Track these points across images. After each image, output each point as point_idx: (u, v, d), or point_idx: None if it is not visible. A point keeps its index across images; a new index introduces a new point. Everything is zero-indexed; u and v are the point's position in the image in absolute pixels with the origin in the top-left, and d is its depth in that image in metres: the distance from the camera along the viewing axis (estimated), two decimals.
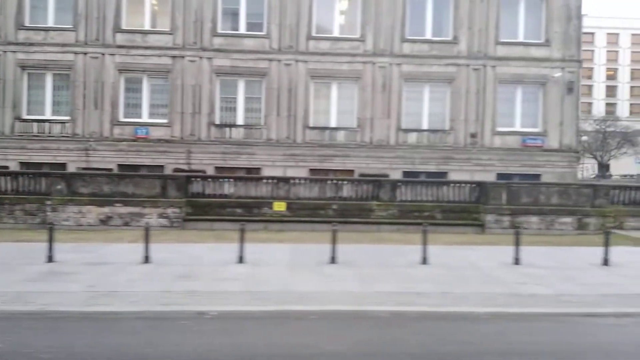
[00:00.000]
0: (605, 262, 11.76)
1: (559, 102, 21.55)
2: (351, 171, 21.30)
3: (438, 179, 20.09)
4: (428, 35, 21.65)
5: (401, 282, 9.55)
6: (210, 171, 20.83)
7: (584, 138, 54.86)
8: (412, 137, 21.64)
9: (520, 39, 21.74)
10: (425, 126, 21.85)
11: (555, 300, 8.53)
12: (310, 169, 21.19)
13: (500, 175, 21.43)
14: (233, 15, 21.59)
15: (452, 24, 21.57)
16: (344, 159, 21.33)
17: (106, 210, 18.07)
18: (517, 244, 11.89)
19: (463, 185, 19.38)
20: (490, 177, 21.20)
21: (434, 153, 21.55)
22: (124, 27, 21.25)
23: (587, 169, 69.94)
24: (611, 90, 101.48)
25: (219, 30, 21.33)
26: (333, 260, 11.54)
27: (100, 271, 10.16)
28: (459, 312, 7.85)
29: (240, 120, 21.54)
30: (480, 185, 19.16)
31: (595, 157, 56.27)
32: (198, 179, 19.02)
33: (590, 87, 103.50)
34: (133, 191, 18.30)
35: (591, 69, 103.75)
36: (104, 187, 18.37)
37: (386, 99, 21.41)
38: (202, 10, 21.08)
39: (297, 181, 19.09)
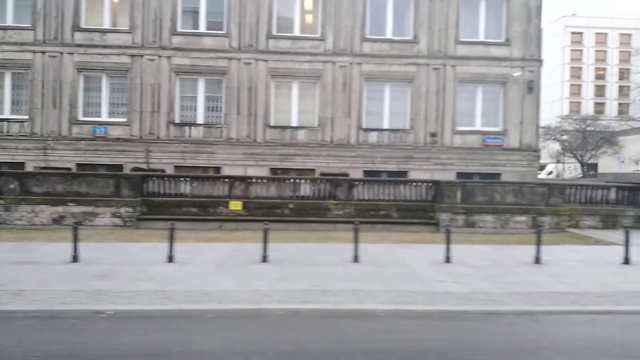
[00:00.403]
0: (537, 260, 11.82)
1: (519, 102, 21.61)
2: (312, 170, 21.28)
3: (395, 178, 20.08)
4: (388, 34, 21.65)
5: (318, 280, 9.54)
6: (170, 170, 20.77)
7: (564, 137, 55.22)
8: (373, 137, 21.64)
9: (481, 38, 21.78)
10: (386, 125, 21.85)
11: (465, 299, 8.55)
12: (271, 168, 21.17)
13: (461, 174, 21.50)
14: (193, 14, 21.53)
15: (412, 24, 21.59)
16: (305, 158, 21.30)
17: (59, 209, 17.96)
18: (447, 242, 11.95)
19: (420, 184, 19.41)
20: (450, 176, 21.26)
21: (394, 152, 21.57)
22: (82, 25, 21.13)
23: (576, 168, 70.39)
24: (600, 90, 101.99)
25: (179, 29, 21.25)
26: (264, 259, 11.54)
27: (21, 270, 10.10)
28: (359, 310, 7.86)
29: (200, 119, 21.47)
30: (436, 184, 19.20)
31: (575, 157, 56.51)
32: (153, 178, 18.91)
33: (579, 86, 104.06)
34: (86, 190, 18.19)
35: (580, 68, 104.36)
36: (57, 186, 18.24)
37: (347, 98, 21.40)
38: (162, 9, 21.00)
39: (253, 180, 19.04)
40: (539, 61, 21.71)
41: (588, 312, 7.94)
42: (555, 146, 59.25)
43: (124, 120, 21.22)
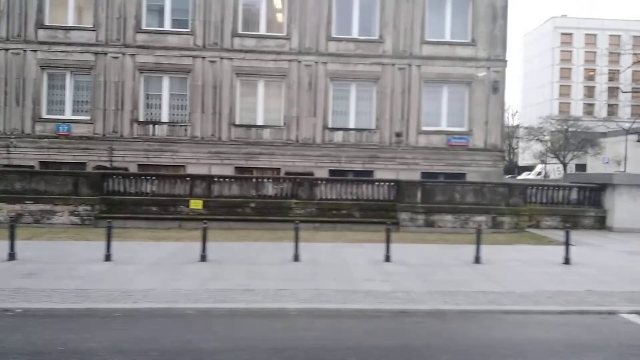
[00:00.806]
0: (477, 260, 11.86)
1: (484, 102, 21.68)
2: (277, 169, 21.27)
3: (357, 177, 20.08)
4: (354, 34, 21.66)
5: (247, 280, 9.51)
6: (134, 169, 20.69)
7: (547, 138, 55.47)
8: (339, 136, 21.64)
9: (447, 38, 21.82)
10: (352, 125, 21.86)
11: (384, 297, 8.54)
12: (236, 167, 21.13)
13: (426, 174, 21.54)
14: (158, 11, 21.46)
15: (378, 23, 21.60)
16: (270, 157, 21.28)
17: (17, 207, 17.83)
18: (387, 241, 11.96)
19: (382, 183, 19.43)
20: (415, 175, 21.31)
21: (360, 152, 21.58)
22: (46, 23, 21.00)
23: (561, 169, 70.76)
24: (590, 91, 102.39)
25: (144, 27, 21.17)
26: (203, 258, 11.47)
27: None
28: (271, 309, 7.84)
29: (165, 117, 21.40)
30: (398, 184, 19.24)
31: (558, 157, 56.78)
32: (114, 177, 18.83)
33: (569, 87, 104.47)
34: (45, 189, 18.07)
35: (569, 69, 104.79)
36: (15, 184, 18.12)
37: (312, 97, 21.40)
38: (126, 7, 20.90)
39: (215, 179, 19.00)
40: (504, 61, 21.77)
41: (501, 311, 7.96)
42: (539, 147, 59.55)
43: (87, 118, 21.12)
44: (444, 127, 21.92)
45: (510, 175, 61.52)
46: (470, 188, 19.12)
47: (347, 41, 21.55)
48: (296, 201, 19.01)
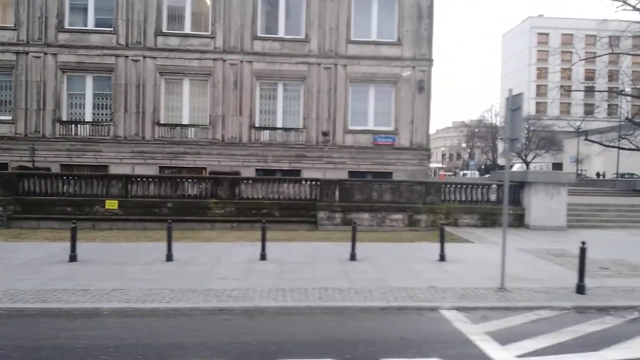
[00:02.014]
0: (353, 257, 11.92)
1: (410, 101, 21.80)
2: (203, 169, 21.22)
3: (279, 176, 20.08)
4: (281, 33, 21.67)
5: (97, 280, 9.41)
6: (56, 169, 20.50)
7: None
8: (266, 135, 21.64)
9: (373, 37, 21.90)
10: (279, 124, 21.86)
11: (223, 296, 8.50)
12: (160, 167, 21.04)
13: (353, 173, 21.62)
14: (81, 10, 21.27)
15: (304, 23, 21.63)
16: (196, 157, 21.21)
17: None
18: (263, 239, 12.00)
19: (303, 182, 19.45)
20: (342, 174, 21.37)
21: (287, 151, 21.59)
22: None
23: (542, 167, 71.55)
24: (566, 90, 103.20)
25: (66, 26, 20.99)
26: (73, 258, 11.36)
27: None
28: (84, 308, 7.77)
29: (88, 116, 21.24)
30: (318, 182, 19.27)
31: (520, 156, 57.29)
32: (30, 177, 18.63)
33: (545, 87, 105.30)
34: None
35: (546, 69, 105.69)
36: None
37: (238, 96, 21.37)
38: (48, 6, 20.71)
39: (132, 179, 18.88)
40: (430, 61, 21.90)
41: (322, 307, 7.97)
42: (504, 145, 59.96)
43: (9, 118, 20.88)
44: (370, 126, 22.01)
45: (489, 175, 62.13)
46: (388, 187, 19.21)
47: (273, 40, 21.55)
48: (215, 201, 18.96)
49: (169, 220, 11.93)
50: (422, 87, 21.67)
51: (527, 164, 56.59)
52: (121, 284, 9.26)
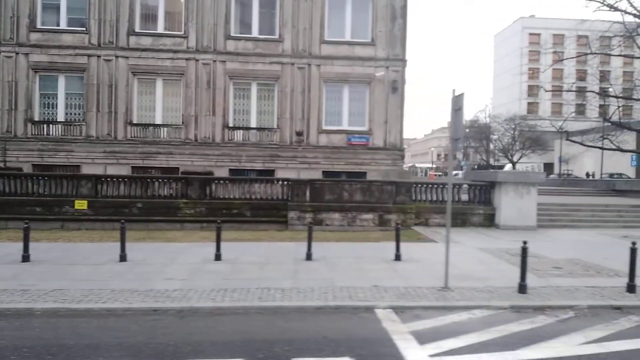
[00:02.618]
0: (309, 257, 11.91)
1: (384, 101, 21.81)
2: (176, 169, 21.17)
3: (250, 176, 20.09)
4: (254, 33, 21.65)
5: (40, 280, 9.39)
6: (28, 169, 20.43)
7: (495, 137, 56.09)
8: (239, 135, 21.61)
9: (347, 38, 21.91)
10: (253, 124, 21.84)
11: (159, 296, 8.49)
12: (133, 167, 20.98)
13: (327, 173, 21.63)
14: (53, 10, 21.19)
15: (277, 23, 21.61)
16: (168, 157, 21.16)
17: None
18: (218, 239, 11.92)
19: (275, 182, 19.44)
20: (316, 174, 21.38)
21: (261, 151, 21.57)
22: None
23: (533, 168, 71.84)
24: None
25: (38, 26, 20.91)
26: (26, 259, 11.30)
27: None
28: (17, 308, 7.76)
29: (61, 116, 21.16)
30: (289, 182, 19.26)
31: (506, 157, 57.43)
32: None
33: (537, 87, 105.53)
34: None
35: (537, 69, 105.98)
36: None
37: (211, 96, 21.33)
38: (19, 6, 20.62)
39: (102, 179, 18.83)
40: (404, 61, 21.92)
41: (258, 307, 7.97)
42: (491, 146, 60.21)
43: None
44: (345, 126, 22.01)
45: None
46: (359, 186, 19.22)
47: (246, 40, 21.53)
48: (185, 201, 18.93)
49: (122, 221, 11.86)
50: (396, 88, 21.69)
51: (514, 164, 56.74)
52: (65, 284, 9.22)
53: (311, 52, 21.58)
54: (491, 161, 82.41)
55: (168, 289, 8.97)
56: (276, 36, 21.62)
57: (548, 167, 72.68)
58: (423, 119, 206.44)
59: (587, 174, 56.83)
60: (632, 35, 29.14)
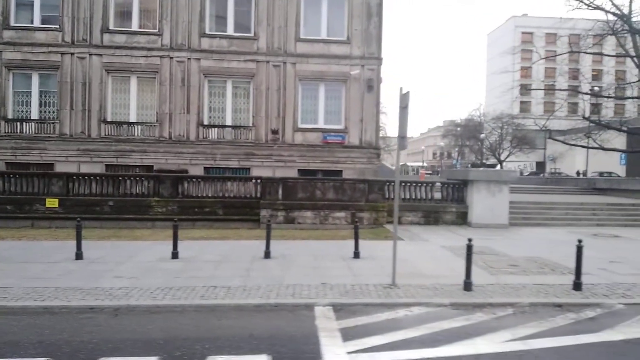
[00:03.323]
0: (267, 255, 11.89)
1: (359, 100, 21.79)
2: (150, 167, 21.09)
3: (223, 174, 20.07)
4: (229, 31, 21.57)
5: None
6: (1, 167, 20.34)
7: (482, 136, 56.19)
8: (214, 133, 21.54)
9: (323, 36, 21.86)
10: (228, 122, 21.79)
11: (89, 293, 8.45)
12: (107, 165, 20.90)
13: (302, 171, 21.60)
14: (27, 7, 21.06)
15: (252, 20, 21.55)
16: (142, 155, 21.08)
17: None
18: (175, 238, 11.90)
19: (248, 181, 19.41)
20: (292, 173, 21.35)
21: (236, 149, 21.51)
22: None
23: (526, 166, 72.09)
24: (550, 90, 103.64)
25: (11, 23, 20.78)
26: None
27: None
28: None
29: (34, 114, 21.03)
30: (262, 181, 19.23)
31: (494, 155, 57.53)
32: None
33: (529, 86, 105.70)
34: None
35: (530, 68, 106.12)
36: None
37: (186, 94, 21.26)
38: None
39: (74, 177, 18.75)
40: (379, 59, 21.89)
41: (194, 305, 7.95)
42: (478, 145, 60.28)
43: None
44: (321, 124, 21.99)
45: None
46: (331, 185, 19.21)
47: (221, 38, 21.45)
48: (157, 199, 18.87)
49: (78, 219, 11.82)
50: (371, 86, 21.67)
51: (501, 162, 56.85)
52: (11, 282, 9.18)
53: (286, 50, 21.53)
54: (484, 160, 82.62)
55: (113, 287, 8.93)
56: (251, 34, 21.55)
57: (540, 165, 72.95)
58: (421, 118, 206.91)
59: (578, 173, 57.01)
60: (614, 33, 29.26)
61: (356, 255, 12.04)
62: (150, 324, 7.07)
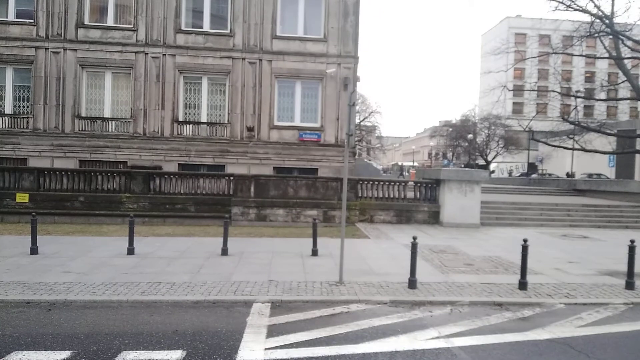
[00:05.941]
0: (224, 252, 11.88)
1: (335, 98, 21.78)
2: (124, 163, 21.01)
3: (195, 171, 19.99)
4: (205, 27, 21.50)
5: None
6: None
7: (470, 136, 56.30)
8: (189, 129, 21.48)
9: (299, 33, 21.83)
10: (204, 119, 21.73)
11: (30, 288, 8.42)
12: (80, 160, 20.80)
13: (278, 169, 21.59)
14: (2, 1, 20.91)
15: (229, 17, 21.49)
16: (116, 150, 21.00)
17: None
18: (131, 234, 11.86)
19: (220, 178, 19.36)
20: (267, 170, 21.34)
21: (211, 146, 21.46)
22: None
23: (517, 167, 72.24)
24: (543, 91, 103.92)
25: None
26: None
27: None
28: None
29: (8, 109, 20.92)
30: (234, 178, 19.20)
31: (481, 156, 57.67)
32: None
33: (522, 86, 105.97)
34: None
35: (523, 69, 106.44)
36: None
37: (161, 90, 21.19)
38: None
39: (45, 172, 18.65)
40: (355, 58, 21.88)
41: (143, 302, 7.93)
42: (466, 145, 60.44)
43: None
44: (297, 122, 21.97)
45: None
46: (304, 183, 19.20)
47: (197, 34, 21.38)
48: (128, 195, 18.81)
49: (33, 214, 11.75)
50: (347, 84, 21.63)
51: (488, 163, 57.00)
52: None
53: (262, 47, 21.48)
54: (472, 161, 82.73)
55: (57, 282, 8.90)
56: (227, 30, 21.49)
57: (532, 167, 73.14)
58: (420, 118, 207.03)
59: (568, 174, 57.18)
60: (596, 34, 29.34)
61: (314, 252, 12.06)
62: (79, 319, 7.04)
